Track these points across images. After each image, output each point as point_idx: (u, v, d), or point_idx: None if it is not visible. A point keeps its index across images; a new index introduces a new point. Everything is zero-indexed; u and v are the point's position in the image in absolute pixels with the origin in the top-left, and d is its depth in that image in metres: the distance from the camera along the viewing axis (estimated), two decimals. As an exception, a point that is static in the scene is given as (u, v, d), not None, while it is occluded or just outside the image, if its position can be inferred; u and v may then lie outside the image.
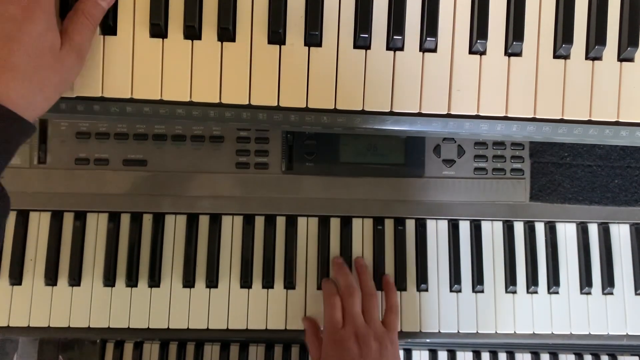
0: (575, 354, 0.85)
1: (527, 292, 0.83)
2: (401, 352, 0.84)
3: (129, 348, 0.82)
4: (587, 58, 0.61)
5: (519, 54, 0.61)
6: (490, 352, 0.84)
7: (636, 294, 0.83)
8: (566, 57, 0.61)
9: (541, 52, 0.60)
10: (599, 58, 0.61)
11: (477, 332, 0.81)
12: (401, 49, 0.60)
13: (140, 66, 0.58)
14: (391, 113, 0.60)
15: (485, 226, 0.84)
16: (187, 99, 0.58)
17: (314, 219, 0.82)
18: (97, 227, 0.80)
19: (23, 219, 0.79)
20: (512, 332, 0.82)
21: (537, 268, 0.83)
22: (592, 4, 0.60)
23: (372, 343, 0.72)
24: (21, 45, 0.50)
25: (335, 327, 0.74)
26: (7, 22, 0.49)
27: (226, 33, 0.58)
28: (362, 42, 0.59)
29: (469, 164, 0.84)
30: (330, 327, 0.75)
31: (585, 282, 0.83)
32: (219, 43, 0.58)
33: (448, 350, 0.85)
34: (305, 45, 0.59)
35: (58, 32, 0.53)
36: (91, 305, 0.79)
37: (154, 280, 0.79)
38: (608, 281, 0.83)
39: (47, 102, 0.54)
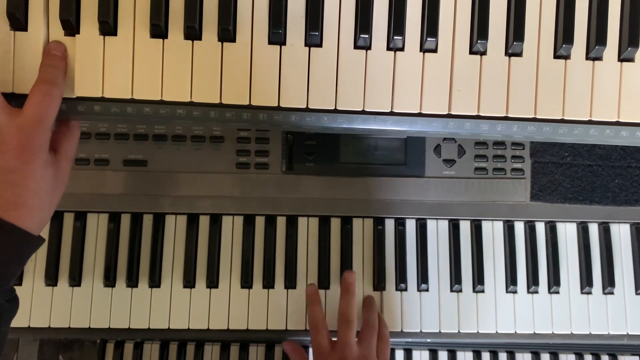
0: (575, 353, 0.85)
1: (528, 291, 0.83)
2: (401, 352, 0.84)
3: (129, 348, 0.81)
4: (587, 58, 0.61)
5: (519, 54, 0.60)
6: (490, 352, 0.84)
7: (637, 293, 0.83)
8: (566, 57, 0.61)
9: (541, 52, 0.60)
10: (600, 58, 0.61)
11: (477, 332, 0.81)
12: (402, 49, 0.60)
13: (141, 66, 0.58)
14: (392, 113, 0.60)
15: (486, 226, 0.84)
16: (188, 100, 0.58)
17: (314, 219, 0.82)
18: (97, 227, 0.80)
19: (23, 219, 0.79)
20: (513, 332, 0.82)
21: (538, 268, 0.83)
22: (592, 4, 0.60)
23: None
24: (27, 189, 0.56)
25: (323, 352, 0.74)
26: (10, 174, 0.55)
27: (226, 33, 0.58)
28: (362, 42, 0.59)
29: (470, 164, 0.84)
30: (317, 352, 0.75)
31: (586, 281, 0.83)
32: (220, 43, 0.58)
33: (448, 350, 0.85)
34: (305, 45, 0.59)
35: (52, 159, 0.59)
36: (91, 305, 0.79)
37: (154, 281, 0.79)
38: (608, 281, 0.83)
39: (51, 212, 0.60)
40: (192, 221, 0.81)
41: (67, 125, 0.62)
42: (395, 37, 0.58)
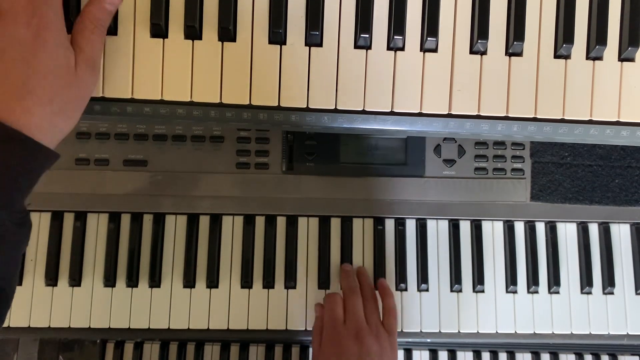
0: (575, 353, 0.85)
1: (528, 291, 0.83)
2: (401, 352, 0.84)
3: (129, 348, 0.81)
4: (587, 58, 0.61)
5: (519, 54, 0.60)
6: (490, 352, 0.84)
7: (637, 293, 0.83)
8: (567, 57, 0.61)
9: (542, 52, 0.60)
10: (600, 58, 0.61)
11: (477, 332, 0.81)
12: (402, 49, 0.60)
13: (141, 66, 0.58)
14: (392, 113, 0.60)
15: (486, 226, 0.84)
16: (188, 99, 0.58)
17: (314, 219, 0.82)
18: (97, 227, 0.80)
19: (23, 219, 0.79)
20: (513, 332, 0.82)
21: (538, 268, 0.83)
22: (592, 4, 0.60)
23: (372, 344, 0.71)
24: (37, 70, 0.48)
25: (336, 322, 0.74)
26: (18, 46, 0.48)
27: (227, 33, 0.58)
28: (362, 42, 0.59)
29: (470, 164, 0.84)
30: (331, 321, 0.74)
31: (586, 281, 0.83)
32: (220, 43, 0.58)
33: (448, 350, 0.85)
34: (305, 45, 0.59)
35: (71, 49, 0.52)
36: (91, 305, 0.79)
37: (155, 281, 0.79)
38: (608, 281, 0.83)
39: (69, 123, 0.53)
40: (192, 221, 0.81)
41: (84, 24, 0.54)
42: (395, 37, 0.58)
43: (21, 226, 0.50)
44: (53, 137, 0.50)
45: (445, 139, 0.83)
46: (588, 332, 0.82)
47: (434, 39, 0.59)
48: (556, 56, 0.61)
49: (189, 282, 0.79)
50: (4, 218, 0.48)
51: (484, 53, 0.60)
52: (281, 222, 0.82)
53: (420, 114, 0.60)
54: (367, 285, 0.79)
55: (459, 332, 0.81)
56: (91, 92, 0.55)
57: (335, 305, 0.75)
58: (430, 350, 0.85)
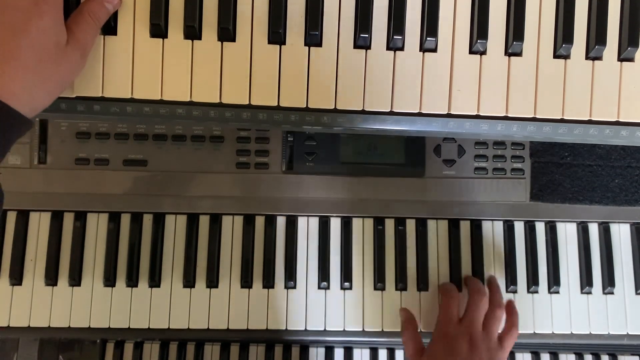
0: (575, 353, 0.85)
1: (528, 291, 0.83)
2: (401, 352, 0.84)
3: (129, 348, 0.81)
4: (587, 58, 0.61)
5: (519, 54, 0.60)
6: (490, 352, 0.84)
7: (637, 293, 0.83)
8: (566, 57, 0.61)
9: (541, 51, 0.60)
10: (599, 58, 0.61)
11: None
12: (401, 48, 0.60)
13: (141, 66, 0.58)
14: (391, 113, 0.60)
15: (486, 226, 0.84)
16: (188, 99, 0.58)
17: (314, 219, 0.82)
18: (97, 227, 0.80)
19: (23, 219, 0.79)
20: (513, 331, 0.82)
21: (538, 268, 0.83)
22: (592, 4, 0.60)
23: (483, 352, 0.71)
24: (27, 37, 0.49)
25: (451, 321, 0.74)
26: (16, 12, 0.49)
27: (226, 33, 0.58)
28: (362, 41, 0.59)
29: (470, 164, 0.84)
30: (446, 319, 0.74)
31: (586, 281, 0.83)
32: (219, 43, 0.58)
33: (448, 350, 0.85)
34: (305, 45, 0.59)
35: (64, 28, 0.53)
36: (91, 305, 0.79)
37: (154, 280, 0.79)
38: (608, 281, 0.83)
39: (48, 97, 0.53)
40: (192, 221, 0.81)
41: (82, 14, 0.55)
42: (395, 37, 0.58)
43: None
44: (29, 109, 0.51)
45: (445, 139, 0.83)
46: (588, 332, 0.82)
47: (434, 38, 0.59)
48: (556, 56, 0.61)
49: (189, 281, 0.79)
50: None
51: (483, 53, 0.60)
52: (281, 222, 0.82)
53: (419, 114, 0.60)
54: (498, 295, 0.79)
55: (458, 332, 0.81)
56: (74, 76, 0.56)
57: (452, 304, 0.76)
58: (430, 350, 0.85)
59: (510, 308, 0.79)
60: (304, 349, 0.83)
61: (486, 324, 0.75)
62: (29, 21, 0.49)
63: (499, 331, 0.76)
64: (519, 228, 0.84)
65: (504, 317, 0.77)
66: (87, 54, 0.56)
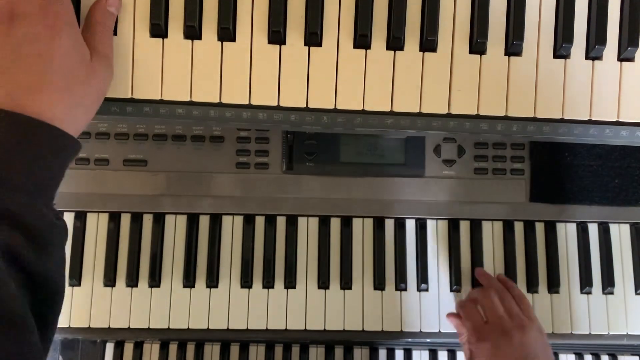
0: (575, 353, 0.85)
1: (528, 291, 0.83)
2: (400, 352, 0.84)
3: (129, 348, 0.82)
4: (587, 58, 0.61)
5: (519, 54, 0.60)
6: (490, 352, 0.84)
7: (636, 293, 0.83)
8: (566, 56, 0.61)
9: (541, 51, 0.60)
10: (599, 58, 0.61)
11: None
12: (401, 48, 0.60)
13: (141, 66, 0.58)
14: (391, 113, 0.60)
15: (486, 226, 0.84)
16: (188, 99, 0.58)
17: (314, 219, 0.82)
18: (97, 227, 0.80)
19: (23, 219, 0.79)
20: (513, 332, 0.81)
21: (537, 268, 0.83)
22: (592, 4, 0.60)
23: (520, 335, 0.72)
24: (54, 63, 0.49)
25: (478, 326, 0.75)
26: (35, 42, 0.49)
27: (226, 33, 0.58)
28: (362, 42, 0.59)
29: (469, 164, 0.84)
30: (474, 327, 0.75)
31: (586, 281, 0.83)
32: (219, 43, 0.58)
33: (448, 350, 0.85)
34: (305, 45, 0.59)
35: (85, 45, 0.53)
36: (91, 305, 0.79)
37: (154, 280, 0.79)
38: (608, 281, 0.83)
39: (87, 115, 0.54)
40: (192, 221, 0.81)
41: (92, 27, 0.55)
42: (395, 37, 0.58)
43: (60, 220, 0.50)
44: (73, 129, 0.51)
45: (445, 139, 0.83)
46: (588, 332, 0.82)
47: (434, 38, 0.59)
48: (556, 56, 0.61)
49: (189, 281, 0.79)
50: (46, 212, 0.48)
51: (483, 53, 0.60)
52: (281, 222, 0.82)
53: (419, 114, 0.60)
54: (494, 281, 0.80)
55: (458, 332, 0.81)
56: (107, 87, 0.56)
57: (471, 312, 0.76)
58: (430, 350, 0.85)
59: (506, 282, 0.80)
60: (304, 348, 0.83)
61: (506, 310, 0.75)
62: (52, 48, 0.49)
63: None
64: (519, 228, 0.84)
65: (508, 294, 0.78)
66: (112, 62, 0.56)
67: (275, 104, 0.59)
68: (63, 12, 0.51)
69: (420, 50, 0.60)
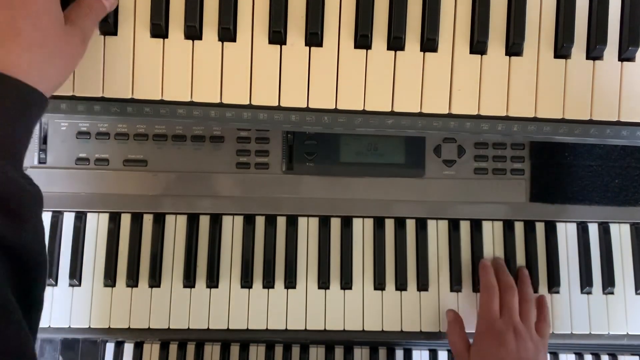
0: (575, 353, 0.85)
1: (528, 291, 0.83)
2: (401, 352, 0.84)
3: (129, 348, 0.81)
4: (588, 58, 0.61)
5: (519, 54, 0.60)
6: (490, 352, 0.84)
7: (637, 293, 0.83)
8: (567, 56, 0.61)
9: (542, 51, 0.60)
10: (600, 58, 0.61)
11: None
12: (402, 48, 0.60)
13: (141, 66, 0.58)
14: (392, 113, 0.60)
15: (486, 226, 0.84)
16: (188, 99, 0.58)
17: (314, 219, 0.82)
18: (97, 227, 0.80)
19: (23, 219, 0.79)
20: (513, 332, 0.82)
21: (538, 268, 0.83)
22: (593, 4, 0.60)
23: (529, 343, 0.72)
24: (26, 14, 0.47)
25: (493, 316, 0.75)
26: None
27: (227, 33, 0.58)
28: (363, 42, 0.59)
29: (470, 164, 0.84)
30: (488, 316, 0.75)
31: (586, 281, 0.83)
32: (220, 43, 0.58)
33: (448, 350, 0.85)
34: (306, 45, 0.59)
35: (61, 10, 0.51)
36: (91, 305, 0.79)
37: (155, 281, 0.79)
38: (608, 281, 0.83)
39: (57, 77, 0.52)
40: (192, 221, 0.81)
41: (80, 6, 0.54)
42: (395, 37, 0.58)
43: (33, 186, 0.48)
44: (42, 86, 0.49)
45: (445, 139, 0.83)
46: (588, 332, 0.82)
47: (434, 38, 0.59)
48: (556, 56, 0.61)
49: (189, 282, 0.79)
50: (13, 176, 0.45)
51: (484, 53, 0.60)
52: (281, 222, 0.82)
53: (420, 114, 0.60)
54: (528, 287, 0.79)
55: (459, 332, 0.81)
56: (77, 60, 0.54)
57: (492, 300, 0.76)
58: (430, 350, 0.85)
59: (541, 302, 0.80)
60: (304, 348, 0.83)
61: (522, 317, 0.75)
62: (24, 1, 0.48)
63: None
64: (519, 228, 0.84)
65: (534, 310, 0.78)
66: (87, 41, 0.55)
67: (276, 104, 0.59)
68: None
69: (421, 51, 0.60)
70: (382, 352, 0.84)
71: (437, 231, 0.84)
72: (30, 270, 0.45)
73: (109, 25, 0.58)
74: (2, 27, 0.47)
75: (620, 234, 0.85)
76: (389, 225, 0.83)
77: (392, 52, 0.60)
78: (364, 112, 0.60)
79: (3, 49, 0.46)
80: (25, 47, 0.47)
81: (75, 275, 0.79)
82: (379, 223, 0.83)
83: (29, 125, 0.48)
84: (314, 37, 0.58)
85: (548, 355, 0.83)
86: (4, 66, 0.46)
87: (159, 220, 0.81)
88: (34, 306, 0.46)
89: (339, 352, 0.83)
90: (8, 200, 0.43)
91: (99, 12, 0.56)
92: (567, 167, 0.84)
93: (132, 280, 0.79)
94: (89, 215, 0.81)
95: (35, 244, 0.46)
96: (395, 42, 0.59)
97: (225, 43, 0.58)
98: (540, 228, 0.84)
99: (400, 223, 0.83)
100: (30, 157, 0.79)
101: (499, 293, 0.77)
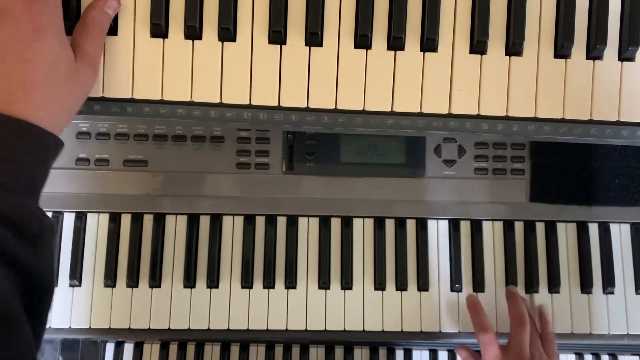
0: (575, 353, 0.85)
1: (527, 292, 0.83)
2: (401, 352, 0.84)
3: (129, 348, 0.81)
4: (588, 57, 0.61)
5: (519, 54, 0.60)
6: (491, 352, 0.84)
7: (637, 293, 0.83)
8: (567, 56, 0.61)
9: (542, 51, 0.60)
10: (600, 57, 0.61)
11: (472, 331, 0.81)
12: (402, 48, 0.60)
13: (141, 66, 0.58)
14: (392, 113, 0.60)
15: (486, 226, 0.84)
16: (188, 99, 0.58)
17: (314, 219, 0.82)
18: (97, 227, 0.80)
19: (23, 219, 0.79)
20: (513, 332, 0.81)
21: (537, 268, 0.83)
22: (593, 3, 0.60)
23: None
24: (37, 66, 0.49)
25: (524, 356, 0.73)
26: (18, 45, 0.49)
27: (227, 33, 0.58)
28: (362, 41, 0.59)
29: (470, 164, 0.84)
30: (520, 354, 0.73)
31: (586, 281, 0.83)
32: (220, 43, 0.58)
33: (448, 350, 0.85)
34: (306, 45, 0.59)
35: (69, 46, 0.53)
36: (91, 305, 0.79)
37: (155, 281, 0.79)
38: (609, 281, 0.83)
39: (69, 117, 0.54)
40: (193, 221, 0.81)
41: (85, 25, 0.55)
42: (395, 37, 0.58)
43: (48, 219, 0.51)
44: (55, 130, 0.51)
45: (445, 139, 0.83)
46: (588, 332, 0.82)
47: (434, 37, 0.59)
48: (556, 56, 0.61)
49: (189, 282, 0.79)
50: (33, 209, 0.49)
51: (484, 52, 0.60)
52: (281, 222, 0.82)
53: (420, 114, 0.60)
54: (549, 325, 0.79)
55: (459, 332, 0.81)
56: (90, 89, 0.56)
57: (490, 346, 0.74)
58: (430, 350, 0.85)
59: (544, 317, 0.80)
60: (304, 348, 0.83)
61: (531, 347, 0.75)
62: (33, 48, 0.49)
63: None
64: (519, 228, 0.84)
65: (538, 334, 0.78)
66: (98, 65, 0.56)
67: (276, 104, 0.59)
68: (47, 11, 0.51)
69: (420, 50, 0.60)
70: (382, 352, 0.84)
71: (437, 231, 0.84)
72: (40, 294, 0.48)
73: (109, 26, 0.58)
74: (19, 82, 0.48)
75: (620, 234, 0.85)
76: (389, 225, 0.83)
77: (392, 52, 0.59)
78: (363, 112, 0.60)
79: (21, 102, 0.48)
80: (41, 99, 0.49)
81: (76, 275, 0.79)
82: (379, 223, 0.83)
83: (46, 166, 0.52)
84: (313, 37, 0.58)
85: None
86: (23, 117, 0.48)
87: (159, 221, 0.81)
88: (40, 325, 0.49)
89: (339, 352, 0.83)
90: (30, 229, 0.47)
91: (105, 24, 0.56)
92: (567, 167, 0.84)
93: (133, 281, 0.79)
94: (89, 215, 0.81)
95: (48, 271, 0.49)
96: (395, 42, 0.59)
97: (225, 43, 0.58)
98: (540, 228, 0.84)
99: (400, 223, 0.83)
100: (31, 158, 0.79)
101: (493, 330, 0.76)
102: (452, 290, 0.82)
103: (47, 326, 0.76)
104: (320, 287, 0.81)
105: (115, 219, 0.81)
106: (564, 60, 0.61)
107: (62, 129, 0.53)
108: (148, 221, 0.81)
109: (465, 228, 0.84)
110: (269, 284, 0.80)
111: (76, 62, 0.53)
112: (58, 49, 0.51)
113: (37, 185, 0.51)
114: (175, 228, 0.81)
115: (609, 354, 0.85)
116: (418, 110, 0.60)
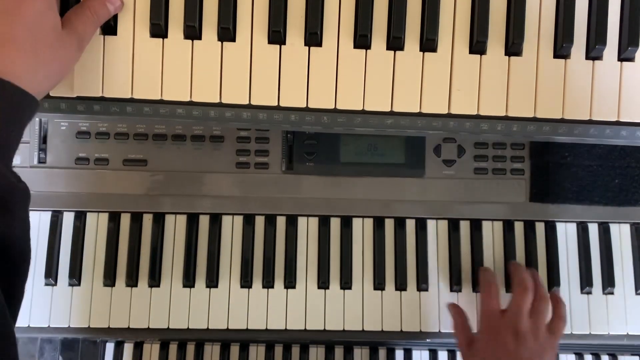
0: (575, 353, 0.85)
1: (528, 292, 0.82)
2: (401, 352, 0.84)
3: (129, 348, 0.81)
4: (587, 58, 0.61)
5: (519, 54, 0.60)
6: (490, 352, 0.84)
7: (637, 293, 0.83)
8: (566, 56, 0.61)
9: (541, 51, 0.60)
10: (600, 58, 0.61)
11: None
12: (401, 48, 0.60)
13: (141, 66, 0.58)
14: (392, 113, 0.60)
15: (486, 226, 0.84)
16: (188, 99, 0.59)
17: (314, 219, 0.82)
18: (97, 227, 0.80)
19: (23, 219, 0.79)
20: (513, 332, 0.81)
21: (537, 268, 0.83)
22: (592, 4, 0.60)
23: (530, 342, 0.70)
24: (22, 20, 0.49)
25: (492, 314, 0.74)
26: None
27: (226, 33, 0.58)
28: (362, 41, 0.59)
29: (469, 164, 0.84)
30: (488, 313, 0.74)
31: (586, 281, 0.83)
32: (219, 43, 0.58)
33: (448, 350, 0.85)
34: (305, 45, 0.59)
35: (58, 14, 0.53)
36: (91, 305, 0.79)
37: (154, 280, 0.79)
38: (608, 281, 0.83)
39: (49, 81, 0.53)
40: (192, 221, 0.81)
41: (82, 8, 0.55)
42: (395, 37, 0.58)
43: (21, 183, 0.50)
44: (33, 90, 0.50)
45: (445, 139, 0.83)
46: (588, 332, 0.82)
47: (434, 38, 0.59)
48: (556, 56, 0.61)
49: (189, 281, 0.79)
50: (5, 173, 0.47)
51: (483, 53, 0.60)
52: (281, 222, 0.82)
53: (419, 114, 0.60)
54: (541, 287, 0.78)
55: (458, 332, 0.81)
56: (72, 64, 0.56)
57: (491, 297, 0.75)
58: (430, 350, 0.85)
59: (556, 299, 0.78)
60: (304, 348, 0.83)
61: (532, 316, 0.74)
62: (21, 6, 0.49)
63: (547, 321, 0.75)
64: (519, 228, 0.84)
65: (549, 309, 0.76)
66: (84, 46, 0.56)
67: (275, 104, 0.59)
68: None
69: (420, 50, 0.60)
70: (382, 352, 0.84)
71: (437, 231, 0.84)
72: (16, 262, 0.47)
73: (109, 25, 0.58)
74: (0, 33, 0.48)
75: (620, 234, 0.85)
76: (389, 225, 0.83)
77: (392, 52, 0.60)
78: (363, 112, 0.60)
79: (1, 55, 0.48)
80: (19, 53, 0.49)
81: (75, 274, 0.79)
82: (378, 223, 0.83)
83: (20, 127, 0.50)
84: (313, 37, 0.58)
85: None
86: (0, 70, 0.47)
87: (159, 220, 0.81)
88: (15, 297, 0.48)
89: (338, 352, 0.83)
90: (1, 196, 0.46)
91: (103, 17, 0.56)
92: (567, 167, 0.84)
93: (132, 280, 0.79)
94: (88, 215, 0.81)
95: (23, 237, 0.49)
96: (395, 42, 0.59)
97: (224, 43, 0.58)
98: (540, 228, 0.84)
99: (400, 223, 0.83)
100: (30, 157, 0.80)
101: (510, 291, 0.76)
102: (451, 290, 0.82)
103: (47, 325, 0.77)
104: (319, 287, 0.81)
105: (114, 218, 0.81)
106: (563, 60, 0.61)
107: (41, 94, 0.52)
108: (147, 221, 0.81)
109: (464, 228, 0.84)
110: (268, 283, 0.80)
111: (63, 30, 0.53)
112: (46, 10, 0.51)
113: (9, 147, 0.49)
114: (175, 227, 0.81)
115: (608, 354, 0.85)
116: (417, 110, 0.60)
